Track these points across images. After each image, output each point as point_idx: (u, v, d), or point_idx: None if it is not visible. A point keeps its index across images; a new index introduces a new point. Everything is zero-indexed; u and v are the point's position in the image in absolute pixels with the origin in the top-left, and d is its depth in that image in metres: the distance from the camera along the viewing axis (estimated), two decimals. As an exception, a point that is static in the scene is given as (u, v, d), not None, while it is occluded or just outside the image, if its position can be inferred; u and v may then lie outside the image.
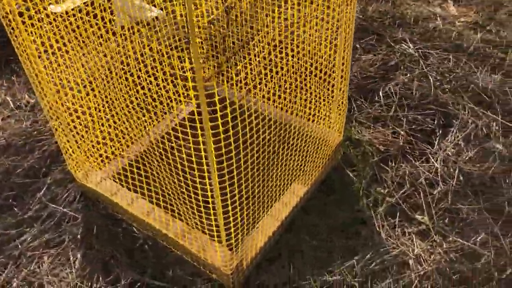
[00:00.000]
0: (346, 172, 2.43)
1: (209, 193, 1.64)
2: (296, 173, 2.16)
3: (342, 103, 2.20)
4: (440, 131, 2.57)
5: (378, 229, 2.16)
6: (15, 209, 2.25)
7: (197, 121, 1.42)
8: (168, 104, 2.44)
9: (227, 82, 2.56)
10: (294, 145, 1.94)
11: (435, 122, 2.62)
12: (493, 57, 3.12)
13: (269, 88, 1.81)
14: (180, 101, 2.48)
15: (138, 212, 2.05)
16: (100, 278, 1.97)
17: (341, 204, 2.27)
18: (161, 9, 2.54)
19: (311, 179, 2.25)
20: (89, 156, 2.17)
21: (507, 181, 2.29)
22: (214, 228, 1.75)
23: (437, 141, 2.52)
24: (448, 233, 2.11)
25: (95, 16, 1.79)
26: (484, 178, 2.30)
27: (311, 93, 2.06)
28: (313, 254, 2.07)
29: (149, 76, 2.26)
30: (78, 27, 1.80)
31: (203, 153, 1.53)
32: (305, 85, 2.01)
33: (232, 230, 1.74)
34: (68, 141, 2.06)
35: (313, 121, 2.22)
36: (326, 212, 2.25)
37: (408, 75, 2.93)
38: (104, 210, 2.21)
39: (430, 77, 2.90)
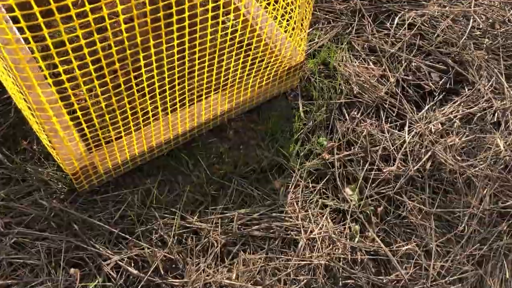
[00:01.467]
0: (296, 104, 1.89)
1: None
2: (222, 82, 1.65)
3: (306, 15, 1.58)
4: (440, 97, 1.93)
5: (290, 186, 1.69)
6: None
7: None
8: None
9: None
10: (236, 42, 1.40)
11: (440, 82, 1.96)
12: None
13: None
14: None
15: None
16: None
17: (268, 139, 1.78)
18: None
19: (241, 97, 1.74)
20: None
21: (485, 192, 1.71)
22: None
23: (427, 106, 1.89)
24: (371, 226, 1.63)
25: None
26: (457, 178, 1.73)
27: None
28: (197, 184, 1.65)
29: None
30: None
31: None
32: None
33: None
34: None
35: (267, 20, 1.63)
36: (243, 142, 1.77)
37: (447, 8, 2.18)
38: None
39: (471, 20, 2.14)
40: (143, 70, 1.28)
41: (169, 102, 1.52)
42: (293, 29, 1.65)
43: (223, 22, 1.49)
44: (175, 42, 1.26)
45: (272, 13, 1.71)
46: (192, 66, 1.42)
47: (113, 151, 1.54)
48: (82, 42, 1.08)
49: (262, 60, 1.64)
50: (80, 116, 1.32)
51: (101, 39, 1.13)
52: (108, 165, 1.56)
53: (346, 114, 1.87)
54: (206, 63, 1.44)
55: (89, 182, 1.56)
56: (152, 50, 1.24)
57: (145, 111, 1.56)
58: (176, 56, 1.33)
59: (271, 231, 1.57)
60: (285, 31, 1.70)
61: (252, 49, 1.62)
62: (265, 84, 1.76)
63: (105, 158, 1.54)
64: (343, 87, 1.93)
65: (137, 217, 1.56)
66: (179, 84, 1.50)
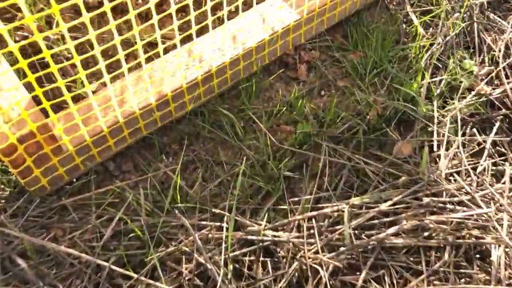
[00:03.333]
0: (406, 14, 1.09)
1: None
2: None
3: None
4: None
5: (436, 149, 0.87)
6: None
7: None
8: None
9: None
10: None
11: None
12: None
13: None
14: None
15: None
16: None
17: (370, 74, 0.98)
18: None
19: (317, 1, 0.96)
20: None
21: None
22: None
23: None
24: None
25: None
26: None
27: None
28: (256, 161, 0.86)
29: None
30: None
31: None
32: None
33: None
34: None
35: None
36: (326, 83, 0.98)
37: None
38: None
39: None
40: None
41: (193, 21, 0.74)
42: None
43: None
44: None
45: None
46: None
47: (90, 109, 0.77)
48: None
49: None
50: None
51: None
52: (82, 135, 0.78)
53: (499, 19, 1.06)
54: None
55: (49, 172, 0.79)
56: None
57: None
58: None
59: (427, 234, 0.75)
60: None
61: None
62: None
63: (72, 120, 0.77)
64: (482, -20, 1.12)
65: (148, 232, 0.77)
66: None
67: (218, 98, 0.94)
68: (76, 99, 0.82)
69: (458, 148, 0.87)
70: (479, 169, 0.85)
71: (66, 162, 0.81)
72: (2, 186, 0.82)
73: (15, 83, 0.70)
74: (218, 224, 0.78)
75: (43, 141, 0.74)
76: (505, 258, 0.72)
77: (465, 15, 1.08)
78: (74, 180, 0.84)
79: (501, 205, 0.77)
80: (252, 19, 0.96)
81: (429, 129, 0.92)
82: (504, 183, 0.82)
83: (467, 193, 0.79)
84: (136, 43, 0.72)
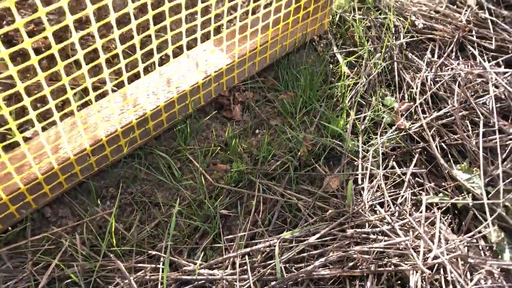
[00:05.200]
0: (333, 55, 1.17)
1: None
2: (212, 23, 0.92)
3: None
4: (552, 14, 1.24)
5: (360, 182, 0.94)
6: None
7: None
8: None
9: None
10: None
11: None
12: None
13: None
14: None
15: None
16: None
17: (300, 114, 1.05)
18: None
19: (246, 48, 1.02)
20: None
21: None
22: None
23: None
24: (523, 228, 0.88)
25: None
26: None
27: None
28: (193, 200, 0.89)
29: None
30: None
31: None
32: None
33: None
34: None
35: None
36: (260, 123, 1.03)
37: None
38: None
39: None
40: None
41: (125, 66, 0.78)
42: None
43: None
44: None
45: None
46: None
47: (23, 156, 0.78)
48: None
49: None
50: None
51: None
52: (15, 183, 0.79)
53: (416, 59, 1.16)
54: None
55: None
56: None
57: (78, 86, 0.82)
58: None
59: (351, 264, 0.80)
60: None
61: None
62: (282, 20, 1.04)
63: (4, 168, 0.77)
64: (399, 23, 1.23)
65: (84, 278, 0.78)
66: (143, 34, 0.77)
67: (154, 140, 0.97)
68: (12, 146, 0.82)
69: (380, 180, 0.93)
70: (400, 199, 0.92)
71: (0, 210, 0.81)
72: None
73: None
74: (154, 265, 0.80)
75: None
76: (422, 282, 0.78)
77: (386, 55, 1.17)
78: (9, 228, 0.85)
79: (418, 234, 0.84)
80: (185, 64, 1.00)
81: (355, 163, 0.99)
82: (421, 212, 0.89)
83: (388, 223, 0.85)
84: (66, 91, 0.75)
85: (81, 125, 0.84)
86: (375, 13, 1.26)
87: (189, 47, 1.01)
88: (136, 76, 0.95)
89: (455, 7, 1.27)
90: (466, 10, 1.25)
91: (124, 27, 0.75)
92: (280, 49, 1.11)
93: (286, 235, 0.84)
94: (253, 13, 1.04)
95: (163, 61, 1.08)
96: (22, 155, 0.80)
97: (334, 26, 1.24)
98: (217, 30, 1.16)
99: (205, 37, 1.10)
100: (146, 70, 1.06)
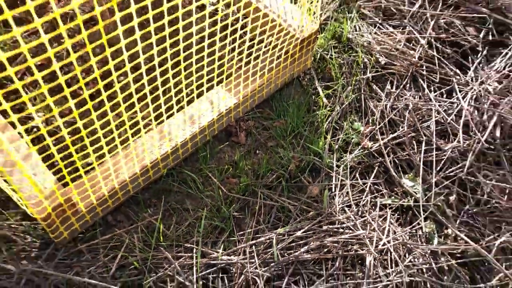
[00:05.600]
0: (315, 88, 1.51)
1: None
2: (224, 72, 1.26)
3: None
4: (485, 51, 1.58)
5: (334, 189, 1.29)
6: None
7: None
8: None
9: None
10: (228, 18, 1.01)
11: (481, 36, 1.61)
12: None
13: None
14: None
15: None
16: None
17: (289, 137, 1.39)
18: None
19: (249, 88, 1.36)
20: None
21: None
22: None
23: (474, 65, 1.54)
24: (448, 221, 1.24)
25: None
26: (535, 141, 1.36)
27: None
28: (213, 206, 1.24)
29: None
30: None
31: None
32: None
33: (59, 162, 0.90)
34: None
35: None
36: (259, 144, 1.38)
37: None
38: None
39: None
40: (128, 67, 0.89)
41: (163, 105, 1.12)
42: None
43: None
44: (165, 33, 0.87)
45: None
46: (186, 56, 1.03)
47: (96, 179, 1.13)
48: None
49: (270, 35, 1.27)
50: (47, 138, 0.91)
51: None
52: (91, 200, 1.14)
53: (379, 90, 1.51)
54: (194, 50, 1.05)
55: (69, 227, 1.14)
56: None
57: (134, 120, 1.16)
58: (168, 43, 0.94)
59: (326, 250, 1.16)
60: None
61: (251, 23, 1.24)
62: (275, 67, 1.38)
63: (85, 190, 1.12)
64: (366, 60, 1.57)
65: (142, 264, 1.13)
66: (173, 81, 1.11)
67: (183, 162, 1.32)
68: (85, 171, 1.17)
69: (348, 188, 1.29)
70: (362, 202, 1.27)
71: (80, 219, 1.16)
72: (34, 239, 1.16)
73: (42, 167, 1.05)
74: (190, 254, 1.15)
75: (67, 208, 1.10)
76: (374, 261, 1.14)
77: (355, 87, 1.51)
78: (85, 230, 1.19)
79: (373, 228, 1.20)
80: (203, 104, 1.34)
81: (331, 174, 1.34)
82: (376, 211, 1.25)
83: (352, 220, 1.21)
84: (125, 130, 1.09)
85: (135, 158, 1.19)
86: (348, 52, 1.60)
87: (207, 90, 1.35)
88: (168, 116, 1.29)
89: (411, 44, 1.61)
90: (419, 48, 1.59)
91: (150, 74, 1.09)
92: (274, 87, 1.45)
93: (280, 230, 1.20)
94: (256, 58, 1.37)
95: (183, 101, 1.42)
96: (96, 179, 1.15)
97: (316, 62, 1.58)
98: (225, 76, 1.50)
99: (213, 80, 1.43)
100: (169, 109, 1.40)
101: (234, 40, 1.23)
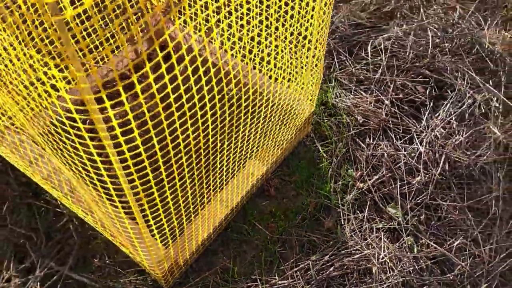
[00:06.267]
0: (316, 147, 2.08)
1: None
2: (255, 150, 1.81)
3: (317, 70, 1.79)
4: (431, 104, 2.20)
5: (343, 222, 1.87)
6: None
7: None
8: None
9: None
10: (257, 113, 1.55)
11: (427, 92, 2.23)
12: (507, 8, 2.66)
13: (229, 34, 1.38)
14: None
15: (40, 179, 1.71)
16: (11, 265, 1.68)
17: (305, 186, 1.96)
18: None
19: (273, 156, 1.91)
20: None
21: (498, 174, 1.98)
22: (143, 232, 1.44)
23: (425, 116, 2.15)
24: (422, 234, 1.84)
25: None
26: (473, 169, 1.99)
27: (277, 48, 1.64)
28: (263, 246, 1.79)
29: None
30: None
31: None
32: (275, 38, 1.58)
33: (165, 227, 1.43)
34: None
35: (281, 83, 1.81)
36: (285, 195, 1.94)
37: (404, 26, 2.48)
38: (25, 177, 1.86)
39: (428, 31, 2.45)
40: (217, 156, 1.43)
41: (224, 176, 1.66)
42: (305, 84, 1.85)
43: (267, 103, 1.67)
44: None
45: (289, 76, 1.91)
46: (240, 140, 1.59)
47: (190, 239, 1.66)
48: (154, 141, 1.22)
49: (292, 118, 1.83)
50: (161, 209, 1.43)
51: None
52: (185, 255, 1.67)
53: (361, 143, 2.09)
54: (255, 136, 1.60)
55: (173, 276, 1.66)
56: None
57: (206, 192, 1.69)
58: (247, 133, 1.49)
59: (345, 267, 1.74)
60: (301, 88, 1.90)
61: (280, 114, 1.80)
62: (289, 140, 1.95)
63: (183, 248, 1.65)
64: (349, 120, 2.15)
65: (226, 294, 1.67)
66: (224, 161, 1.65)
67: (235, 217, 1.86)
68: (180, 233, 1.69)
69: (351, 220, 1.87)
70: (363, 229, 1.85)
71: (179, 268, 1.68)
72: (145, 287, 1.68)
73: (151, 238, 1.58)
74: (256, 283, 1.70)
75: (174, 266, 1.62)
76: (378, 270, 1.72)
77: (344, 142, 2.09)
78: (179, 276, 1.72)
79: (373, 246, 1.78)
80: (245, 175, 1.89)
81: (338, 211, 1.91)
82: (373, 234, 1.83)
83: (359, 244, 1.79)
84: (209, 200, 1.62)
85: (211, 219, 1.72)
86: (334, 115, 2.18)
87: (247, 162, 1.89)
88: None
89: (378, 104, 2.21)
90: (384, 107, 2.18)
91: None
92: (288, 151, 2.02)
93: (313, 257, 1.76)
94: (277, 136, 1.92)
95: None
96: (186, 238, 1.67)
97: (312, 126, 2.15)
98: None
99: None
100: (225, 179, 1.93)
101: (269, 124, 1.78)
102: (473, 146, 2.06)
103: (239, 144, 1.60)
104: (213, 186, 1.66)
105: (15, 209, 1.79)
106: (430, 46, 2.37)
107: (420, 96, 2.21)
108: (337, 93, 2.24)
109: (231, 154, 1.57)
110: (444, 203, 1.91)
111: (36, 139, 1.28)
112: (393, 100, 2.21)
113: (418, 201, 1.92)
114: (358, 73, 2.30)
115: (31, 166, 1.65)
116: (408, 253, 1.78)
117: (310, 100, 1.93)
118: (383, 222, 1.88)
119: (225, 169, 1.66)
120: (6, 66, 1.22)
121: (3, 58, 1.20)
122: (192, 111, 1.10)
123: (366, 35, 2.43)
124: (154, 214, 1.31)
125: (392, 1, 2.58)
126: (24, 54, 1.08)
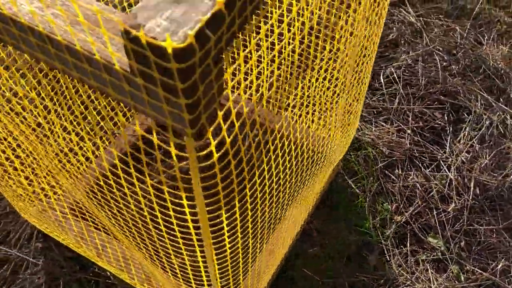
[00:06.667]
0: (348, 183, 2.13)
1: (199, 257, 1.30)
2: (306, 199, 1.84)
3: (351, 124, 1.83)
4: (451, 129, 2.27)
5: (388, 258, 1.91)
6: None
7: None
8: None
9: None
10: (312, 168, 1.58)
11: (445, 118, 2.31)
12: (500, 22, 2.78)
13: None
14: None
15: (91, 253, 1.70)
16: None
17: (345, 225, 2.00)
18: None
19: (315, 199, 1.94)
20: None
21: (526, 192, 2.06)
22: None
23: (448, 142, 2.22)
24: (466, 262, 1.90)
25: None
26: (501, 190, 2.06)
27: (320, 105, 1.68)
28: (318, 294, 1.82)
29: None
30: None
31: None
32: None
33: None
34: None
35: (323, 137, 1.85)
36: (326, 236, 1.97)
37: (411, 53, 2.55)
38: (70, 252, 1.84)
39: (435, 55, 2.53)
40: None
41: (272, 227, 1.69)
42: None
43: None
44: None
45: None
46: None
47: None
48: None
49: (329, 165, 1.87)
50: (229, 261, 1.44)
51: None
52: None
53: (391, 175, 2.14)
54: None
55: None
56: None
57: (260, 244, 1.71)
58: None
59: (401, 304, 1.78)
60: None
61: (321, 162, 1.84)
62: (326, 182, 1.98)
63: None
64: (375, 153, 2.20)
65: None
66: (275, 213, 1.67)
67: (286, 264, 1.88)
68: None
69: (397, 254, 1.91)
70: (409, 262, 1.90)
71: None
72: None
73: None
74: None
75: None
76: (433, 303, 1.77)
77: (374, 176, 2.14)
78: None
79: (423, 281, 1.82)
80: (291, 219, 1.91)
81: (381, 246, 1.95)
82: (420, 267, 1.88)
83: (409, 279, 1.83)
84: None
85: (261, 273, 1.74)
86: (359, 149, 2.23)
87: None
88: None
89: (400, 134, 2.27)
90: (407, 136, 2.25)
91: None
92: (326, 185, 2.05)
93: (367, 297, 1.80)
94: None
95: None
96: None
97: (341, 161, 2.19)
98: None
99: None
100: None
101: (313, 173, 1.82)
102: (498, 167, 2.14)
103: (300, 201, 1.63)
104: (266, 239, 1.68)
105: (65, 286, 1.77)
106: (439, 70, 2.45)
107: (439, 122, 2.29)
108: (359, 127, 2.29)
109: (292, 209, 1.60)
110: (480, 227, 1.98)
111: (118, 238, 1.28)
112: (414, 128, 2.27)
113: (457, 228, 1.98)
114: (375, 105, 2.35)
115: (97, 252, 1.64)
116: (457, 283, 1.84)
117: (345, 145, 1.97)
118: (426, 253, 1.93)
119: (273, 219, 1.69)
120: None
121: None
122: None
123: (376, 65, 2.49)
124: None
125: (394, 29, 2.66)
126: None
